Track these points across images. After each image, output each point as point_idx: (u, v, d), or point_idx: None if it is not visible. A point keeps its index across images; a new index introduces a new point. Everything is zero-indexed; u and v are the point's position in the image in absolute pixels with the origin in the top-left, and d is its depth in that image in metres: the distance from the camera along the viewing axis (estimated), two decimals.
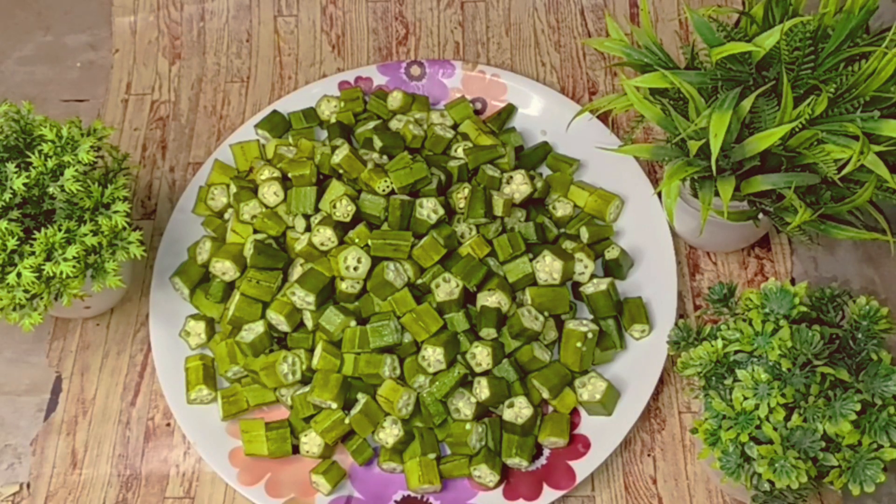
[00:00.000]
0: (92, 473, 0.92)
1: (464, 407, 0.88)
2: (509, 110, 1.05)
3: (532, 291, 0.91)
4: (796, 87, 0.76)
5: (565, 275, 0.91)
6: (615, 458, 0.89)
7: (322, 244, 0.93)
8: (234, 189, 0.99)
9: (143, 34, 1.16)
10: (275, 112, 1.07)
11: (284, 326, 0.91)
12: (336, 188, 0.96)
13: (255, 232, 0.96)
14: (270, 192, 0.97)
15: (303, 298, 0.90)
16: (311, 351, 0.91)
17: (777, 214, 0.80)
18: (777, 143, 0.74)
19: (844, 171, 0.74)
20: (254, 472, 0.88)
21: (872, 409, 0.70)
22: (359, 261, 0.91)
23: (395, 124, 1.03)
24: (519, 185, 0.96)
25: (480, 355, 0.88)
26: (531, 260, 0.92)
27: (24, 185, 0.84)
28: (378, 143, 0.99)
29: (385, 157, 0.98)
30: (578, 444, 0.88)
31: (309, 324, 0.92)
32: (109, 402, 0.95)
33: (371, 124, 1.02)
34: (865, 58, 0.76)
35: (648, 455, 0.89)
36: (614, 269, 0.95)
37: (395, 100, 1.05)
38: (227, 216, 1.00)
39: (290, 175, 0.98)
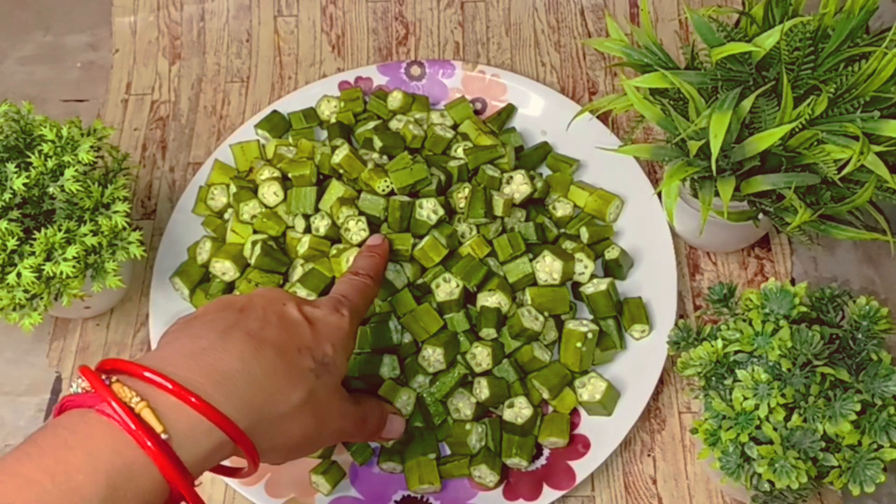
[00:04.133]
0: None
1: (464, 407, 0.88)
2: (509, 110, 1.05)
3: (532, 291, 0.91)
4: (796, 87, 0.76)
5: (565, 275, 0.91)
6: (615, 458, 0.89)
7: (322, 244, 0.93)
8: (234, 189, 0.99)
9: (143, 34, 1.16)
10: (275, 112, 1.06)
11: None
12: (336, 188, 0.96)
13: (255, 232, 0.96)
14: (270, 192, 0.97)
15: None
16: None
17: (777, 214, 0.80)
18: (777, 143, 0.74)
19: (844, 172, 0.74)
20: None
21: (872, 410, 0.70)
22: None
23: (395, 124, 1.03)
24: (519, 185, 0.96)
25: (480, 355, 0.88)
26: (531, 260, 0.92)
27: (24, 185, 0.84)
28: (378, 143, 0.99)
29: (385, 157, 0.98)
30: (578, 444, 0.88)
31: None
32: None
33: (371, 124, 1.02)
34: (865, 58, 0.75)
35: (648, 455, 0.89)
36: (614, 269, 0.95)
37: (395, 100, 1.05)
38: (227, 216, 1.00)
39: (290, 175, 0.98)
